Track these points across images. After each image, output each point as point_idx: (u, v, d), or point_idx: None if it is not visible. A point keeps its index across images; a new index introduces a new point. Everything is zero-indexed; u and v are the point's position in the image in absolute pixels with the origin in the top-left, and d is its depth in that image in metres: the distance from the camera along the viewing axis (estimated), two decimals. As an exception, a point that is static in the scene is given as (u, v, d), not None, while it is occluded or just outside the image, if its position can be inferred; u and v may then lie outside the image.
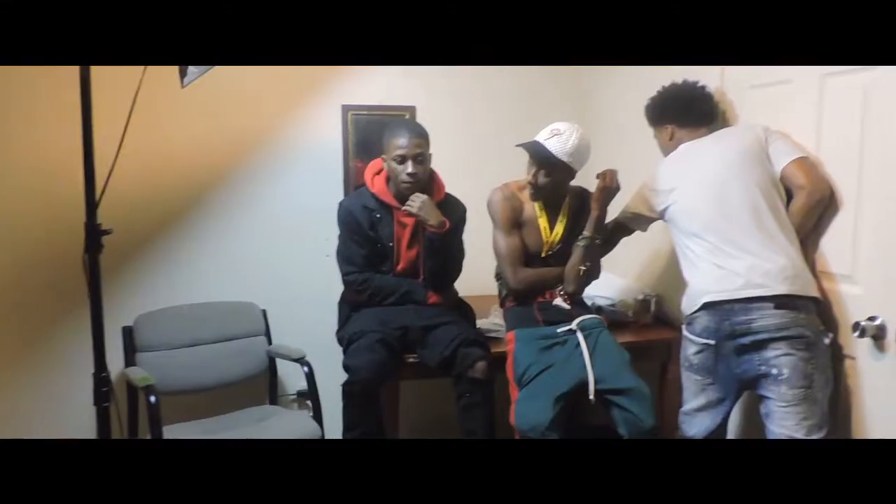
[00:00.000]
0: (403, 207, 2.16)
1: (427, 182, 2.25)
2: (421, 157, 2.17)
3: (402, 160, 2.12)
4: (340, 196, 2.89)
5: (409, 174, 2.12)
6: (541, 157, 2.08)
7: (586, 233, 2.11)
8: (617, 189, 2.09)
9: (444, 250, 2.20)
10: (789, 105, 1.82)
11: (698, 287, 1.76)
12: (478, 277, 2.49)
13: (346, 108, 2.94)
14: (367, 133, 2.93)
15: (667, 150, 2.04)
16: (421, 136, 2.16)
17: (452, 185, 2.41)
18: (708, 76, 2.08)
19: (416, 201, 2.13)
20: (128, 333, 2.50)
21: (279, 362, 2.71)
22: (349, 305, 2.29)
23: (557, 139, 2.04)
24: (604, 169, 2.11)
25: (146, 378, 2.24)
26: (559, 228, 2.22)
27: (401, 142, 2.12)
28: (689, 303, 1.79)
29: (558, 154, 2.04)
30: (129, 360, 2.47)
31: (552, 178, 2.10)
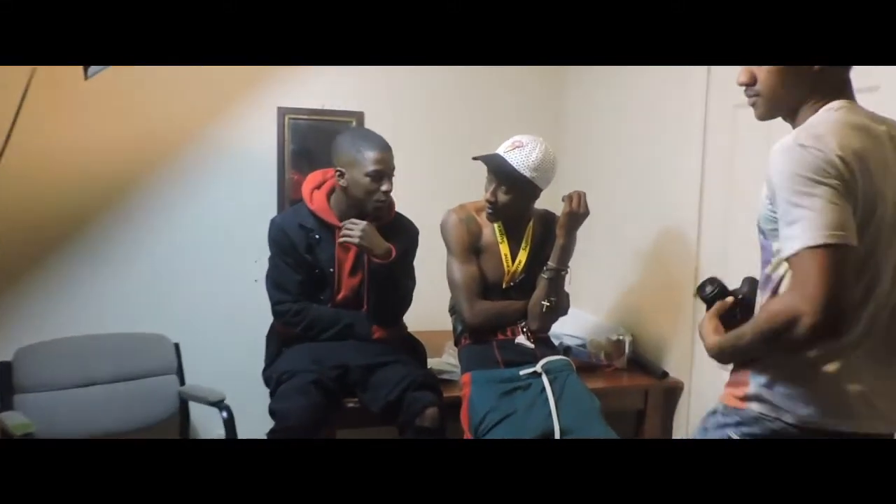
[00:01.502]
0: (340, 238, 2.08)
1: None
2: (393, 174, 2.13)
3: (378, 176, 2.08)
4: (273, 212, 2.80)
5: (385, 191, 2.09)
6: (501, 172, 2.04)
7: (551, 263, 2.08)
8: (585, 214, 2.05)
9: (392, 280, 2.14)
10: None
11: (811, 402, 1.23)
12: (430, 310, 2.44)
13: (282, 112, 2.87)
14: (308, 141, 2.86)
15: (793, 89, 1.26)
16: (391, 149, 2.14)
17: (403, 204, 2.33)
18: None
19: (356, 229, 2.05)
20: (5, 370, 2.36)
21: (193, 406, 2.59)
22: (279, 340, 2.22)
23: (519, 151, 2.02)
24: (571, 191, 2.07)
25: (25, 425, 2.11)
26: (522, 256, 2.19)
27: (378, 155, 2.09)
28: (783, 401, 1.25)
29: (520, 168, 2.02)
30: (6, 403, 2.32)
31: (513, 195, 2.07)
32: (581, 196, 2.05)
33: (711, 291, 1.38)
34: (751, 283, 1.37)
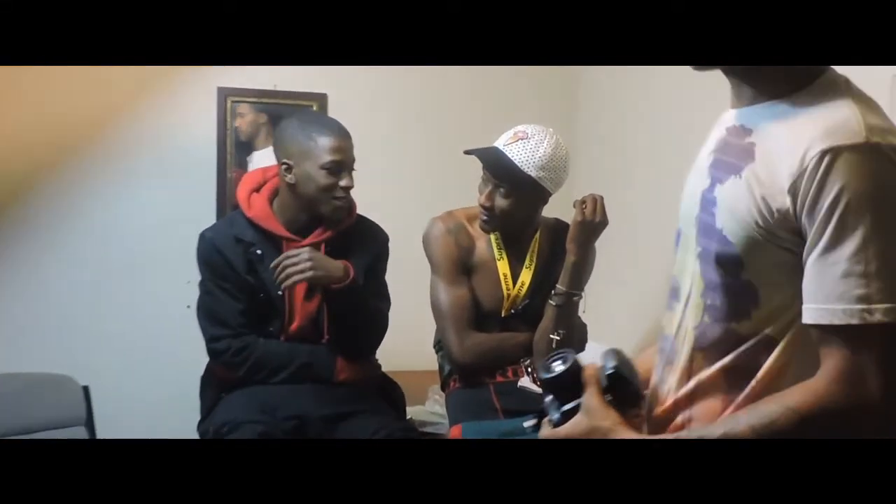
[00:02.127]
0: (283, 281, 1.91)
1: None
2: (353, 166, 2.03)
3: (337, 168, 1.98)
4: (212, 220, 2.64)
5: (345, 187, 2.00)
6: (500, 169, 1.93)
7: (560, 286, 1.94)
8: (603, 224, 1.91)
9: (358, 302, 2.00)
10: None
11: None
12: (410, 345, 2.33)
13: (224, 93, 2.77)
14: (256, 130, 2.76)
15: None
16: (350, 136, 2.05)
17: (373, 209, 2.19)
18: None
19: (299, 260, 1.89)
20: None
21: None
22: (218, 384, 2.07)
23: (523, 145, 1.93)
24: (585, 195, 1.92)
25: None
26: (525, 277, 2.05)
27: (334, 143, 1.99)
28: None
29: (524, 165, 1.91)
30: None
31: (514, 199, 1.95)
32: (597, 201, 1.91)
33: (613, 371, 1.09)
34: (618, 357, 1.12)
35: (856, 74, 1.16)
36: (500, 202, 1.94)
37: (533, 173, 1.89)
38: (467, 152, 1.97)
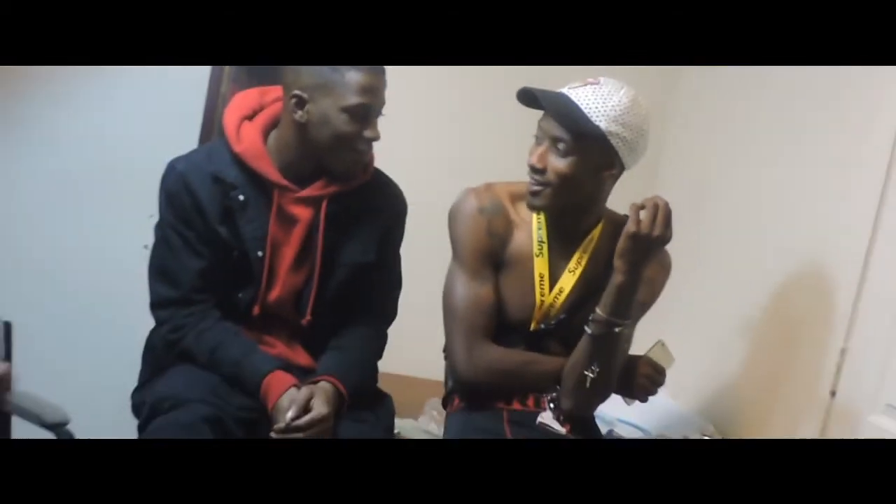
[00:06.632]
0: (274, 430, 1.79)
1: None
2: (381, 111, 1.87)
3: (364, 112, 1.82)
4: (192, 143, 2.38)
5: (369, 139, 1.85)
6: (560, 115, 1.77)
7: (600, 311, 1.74)
8: (662, 239, 1.70)
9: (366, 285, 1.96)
10: None
11: None
12: (414, 346, 2.19)
13: None
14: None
15: None
16: (384, 72, 1.89)
17: (392, 168, 2.03)
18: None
19: (301, 412, 1.78)
20: None
21: (19, 424, 2.13)
22: (160, 351, 1.94)
23: (593, 90, 1.77)
24: (647, 198, 1.72)
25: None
26: (567, 283, 1.85)
27: (367, 80, 1.82)
28: None
29: (592, 113, 1.74)
30: None
31: (575, 159, 1.77)
32: (659, 207, 1.68)
33: None
34: None
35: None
36: (557, 162, 1.74)
37: (602, 125, 1.71)
38: (524, 92, 1.79)
